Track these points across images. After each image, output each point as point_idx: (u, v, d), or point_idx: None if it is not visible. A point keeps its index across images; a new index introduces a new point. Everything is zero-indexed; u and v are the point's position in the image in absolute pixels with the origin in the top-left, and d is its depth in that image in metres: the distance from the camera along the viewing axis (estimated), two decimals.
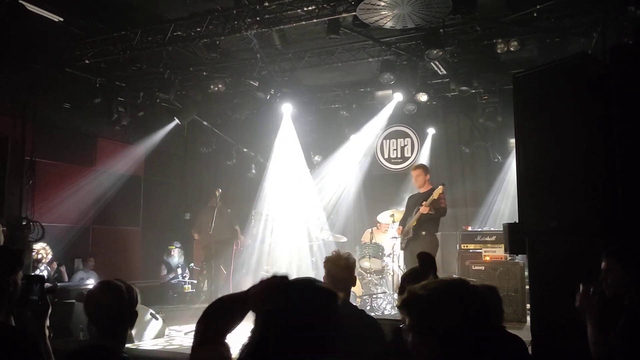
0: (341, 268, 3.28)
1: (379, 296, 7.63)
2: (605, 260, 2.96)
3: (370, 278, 7.78)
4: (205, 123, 10.49)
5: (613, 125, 3.45)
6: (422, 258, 2.87)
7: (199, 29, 7.38)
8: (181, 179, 11.84)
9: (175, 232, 10.66)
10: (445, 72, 8.63)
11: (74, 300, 6.01)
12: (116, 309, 2.29)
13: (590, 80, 3.72)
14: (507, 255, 7.26)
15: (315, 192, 10.17)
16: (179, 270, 10.11)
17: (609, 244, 3.04)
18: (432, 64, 8.16)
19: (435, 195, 6.59)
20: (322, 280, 3.35)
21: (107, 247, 9.80)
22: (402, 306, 1.58)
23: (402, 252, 7.26)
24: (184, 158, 11.86)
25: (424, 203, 6.67)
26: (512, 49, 7.38)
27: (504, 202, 9.31)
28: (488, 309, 1.55)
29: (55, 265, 8.23)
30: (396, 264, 7.87)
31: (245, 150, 11.09)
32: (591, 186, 3.61)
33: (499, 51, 7.50)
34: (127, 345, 2.40)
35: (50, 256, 7.87)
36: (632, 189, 3.36)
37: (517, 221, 4.26)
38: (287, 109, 9.66)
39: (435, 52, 7.24)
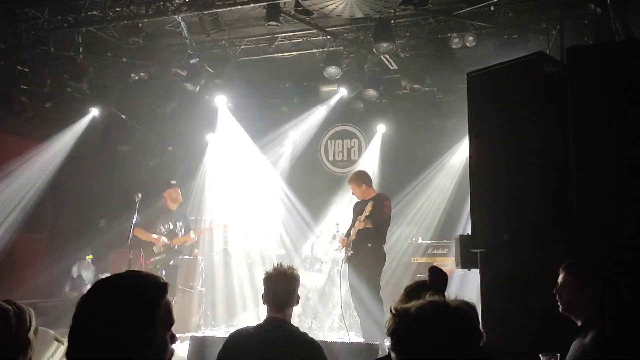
0: (283, 285, 3.27)
1: (319, 316, 7.64)
2: (562, 273, 3.12)
3: (310, 295, 7.77)
4: (124, 117, 10.19)
5: (569, 132, 3.58)
6: (432, 272, 2.81)
7: (118, 9, 7.16)
8: (96, 181, 11.42)
9: (88, 241, 10.25)
10: (396, 68, 8.75)
11: None
12: (1, 337, 2.15)
13: (548, 82, 3.85)
14: (459, 269, 7.42)
15: (259, 197, 10.08)
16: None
17: (568, 258, 3.17)
18: (382, 58, 8.26)
19: (367, 211, 6.65)
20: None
21: (7, 257, 9.32)
22: (393, 331, 1.64)
23: (346, 266, 7.27)
24: (99, 157, 11.45)
25: (359, 218, 6.74)
26: (467, 44, 7.59)
27: (454, 210, 9.49)
28: (477, 331, 1.65)
29: None
30: (343, 279, 7.88)
31: (171, 149, 10.86)
32: (546, 196, 3.73)
33: (454, 47, 7.69)
34: None
35: None
36: (587, 200, 3.49)
37: (468, 233, 4.36)
38: (221, 102, 9.53)
39: (385, 45, 7.33)
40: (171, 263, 7.86)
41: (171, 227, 7.97)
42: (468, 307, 2.44)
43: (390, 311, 1.68)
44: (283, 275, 3.31)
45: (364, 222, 6.69)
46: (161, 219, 7.94)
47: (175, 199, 8.03)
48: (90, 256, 9.76)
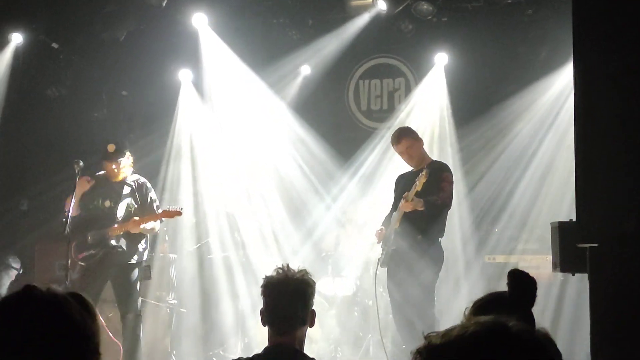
0: (289, 297, 3.32)
1: (347, 341, 7.69)
2: None
3: (334, 312, 7.78)
4: (55, 46, 10.20)
5: None
6: (514, 278, 2.75)
7: None
8: (16, 143, 11.50)
9: (3, 231, 10.36)
10: None
11: None
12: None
13: None
14: (558, 272, 7.42)
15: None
16: None
17: None
18: None
19: (418, 185, 6.62)
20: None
21: None
22: None
23: (384, 270, 7.27)
24: (18, 107, 11.49)
25: (405, 195, 6.69)
26: None
27: (551, 184, 9.41)
28: None
29: None
30: (379, 288, 7.89)
31: (125, 93, 10.92)
32: None
33: None
34: None
35: None
36: None
37: (573, 219, 4.33)
38: (199, 23, 9.56)
39: None
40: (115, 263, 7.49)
41: (108, 205, 7.56)
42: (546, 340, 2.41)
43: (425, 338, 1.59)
44: (289, 281, 3.34)
45: (412, 202, 6.66)
46: (96, 191, 7.59)
47: (113, 173, 7.58)
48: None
